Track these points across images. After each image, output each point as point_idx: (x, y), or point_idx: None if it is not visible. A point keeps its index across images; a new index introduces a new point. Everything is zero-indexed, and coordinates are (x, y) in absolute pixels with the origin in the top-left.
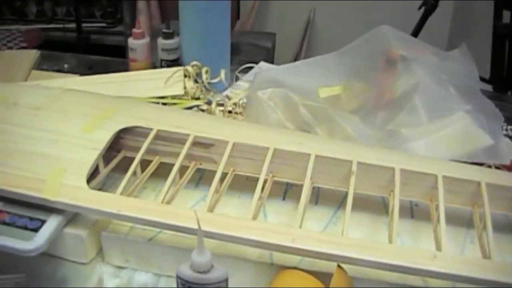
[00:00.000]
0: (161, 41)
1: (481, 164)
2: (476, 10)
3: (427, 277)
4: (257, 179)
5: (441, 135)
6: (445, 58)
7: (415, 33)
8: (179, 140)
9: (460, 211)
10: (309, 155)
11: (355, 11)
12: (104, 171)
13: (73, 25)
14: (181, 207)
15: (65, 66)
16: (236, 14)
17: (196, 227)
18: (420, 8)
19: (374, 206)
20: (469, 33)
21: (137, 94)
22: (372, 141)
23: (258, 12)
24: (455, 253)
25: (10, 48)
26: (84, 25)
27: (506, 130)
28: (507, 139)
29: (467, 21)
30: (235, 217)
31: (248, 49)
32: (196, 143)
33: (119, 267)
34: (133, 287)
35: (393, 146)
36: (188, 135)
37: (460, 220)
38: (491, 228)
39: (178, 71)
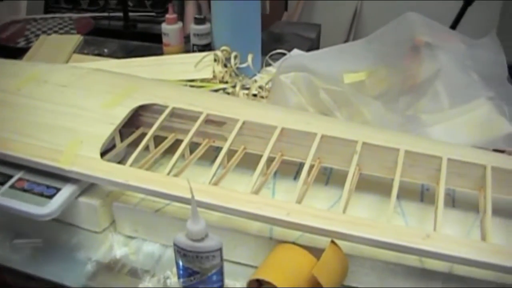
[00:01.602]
0: (193, 26)
1: (502, 151)
2: None
3: (419, 256)
4: (267, 158)
5: (461, 121)
6: (473, 46)
7: (454, 24)
8: (193, 117)
9: (472, 196)
10: (315, 134)
11: (402, 4)
12: (120, 145)
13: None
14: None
15: (105, 50)
16: (284, 5)
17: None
18: None
19: (385, 189)
20: None
21: (168, 77)
22: (391, 126)
23: (306, 4)
24: (455, 235)
25: (61, 34)
26: (134, 14)
27: None
28: None
29: None
30: (234, 191)
31: (293, 39)
32: (209, 121)
33: (129, 237)
34: (138, 256)
35: (412, 131)
36: (201, 112)
37: (472, 205)
38: (490, 211)
39: (207, 55)
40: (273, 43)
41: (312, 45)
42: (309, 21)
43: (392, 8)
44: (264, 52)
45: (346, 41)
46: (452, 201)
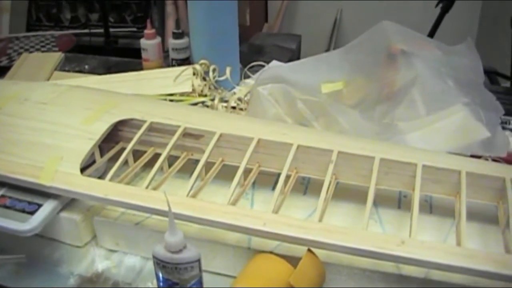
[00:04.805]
0: (171, 40)
1: (479, 157)
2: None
3: (394, 262)
4: (245, 169)
5: (437, 128)
6: (448, 52)
7: (433, 31)
8: (171, 131)
9: (449, 202)
10: (291, 144)
11: (381, 11)
12: (100, 160)
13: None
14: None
15: (86, 67)
16: (264, 17)
17: (172, 210)
18: (437, 5)
19: (363, 197)
20: (497, 32)
21: (148, 92)
22: (368, 135)
23: (286, 14)
24: (431, 241)
25: (43, 52)
26: (115, 29)
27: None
28: (505, 132)
29: (495, 20)
30: (212, 202)
31: (273, 50)
32: (187, 134)
33: (111, 250)
34: (120, 269)
35: (389, 139)
36: (178, 126)
37: (449, 211)
38: (465, 216)
39: (186, 69)
40: (253, 55)
41: (293, 56)
42: (290, 32)
43: (372, 17)
44: (245, 64)
45: (327, 50)
46: (430, 208)
